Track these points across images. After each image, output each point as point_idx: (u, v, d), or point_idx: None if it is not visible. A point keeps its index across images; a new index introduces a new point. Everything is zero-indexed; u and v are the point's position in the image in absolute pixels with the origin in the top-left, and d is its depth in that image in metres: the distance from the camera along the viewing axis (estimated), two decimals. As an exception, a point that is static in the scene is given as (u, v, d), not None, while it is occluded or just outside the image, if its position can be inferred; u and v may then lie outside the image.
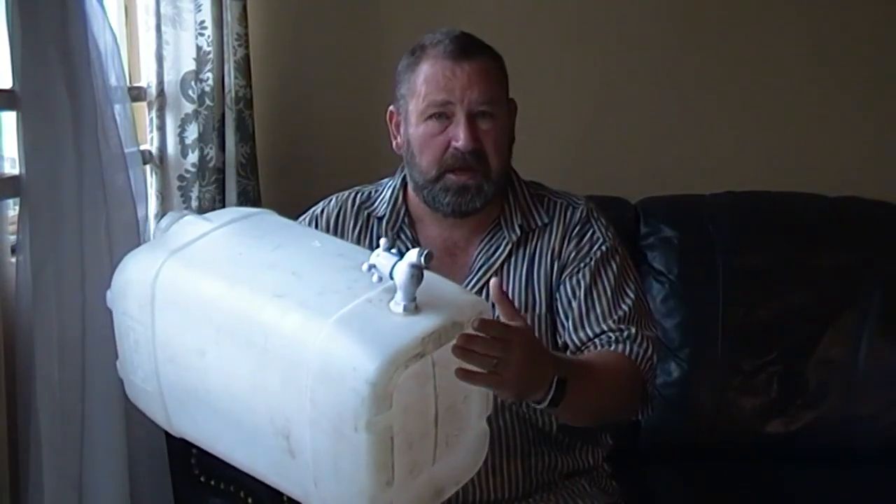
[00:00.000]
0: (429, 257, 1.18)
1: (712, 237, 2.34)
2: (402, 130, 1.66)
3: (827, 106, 2.57)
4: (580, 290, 1.63)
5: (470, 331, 1.23)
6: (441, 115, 1.59)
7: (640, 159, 2.58)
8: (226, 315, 1.26)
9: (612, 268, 1.65)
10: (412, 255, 1.18)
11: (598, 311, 1.62)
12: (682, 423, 2.29)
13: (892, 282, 2.31)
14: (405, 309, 1.18)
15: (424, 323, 1.18)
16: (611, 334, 1.60)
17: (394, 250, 1.21)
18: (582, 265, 1.65)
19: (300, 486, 1.25)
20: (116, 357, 1.44)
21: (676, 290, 2.32)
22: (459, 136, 1.58)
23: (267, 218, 1.45)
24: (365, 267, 1.21)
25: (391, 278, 1.19)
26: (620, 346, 1.59)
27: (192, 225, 1.38)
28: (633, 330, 1.60)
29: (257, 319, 1.22)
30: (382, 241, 1.23)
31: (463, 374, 1.23)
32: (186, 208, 2.23)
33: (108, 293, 1.39)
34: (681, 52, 2.55)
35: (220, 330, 1.26)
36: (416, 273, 1.18)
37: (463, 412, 1.28)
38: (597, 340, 1.60)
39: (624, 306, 1.62)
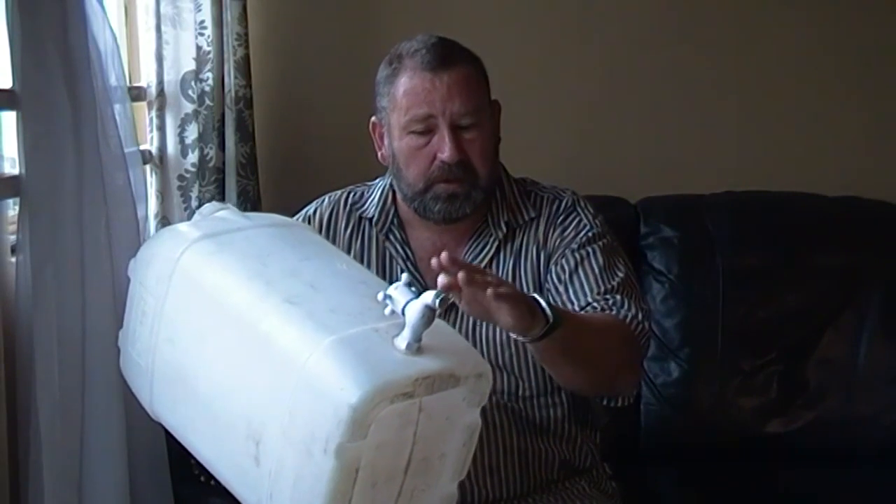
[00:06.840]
0: (444, 302, 1.18)
1: (712, 237, 2.34)
2: (385, 142, 1.67)
3: (827, 106, 2.57)
4: (565, 273, 1.62)
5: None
6: (424, 127, 1.59)
7: (639, 159, 2.58)
8: (234, 306, 1.26)
9: (598, 250, 1.63)
10: (428, 295, 1.18)
11: (586, 288, 1.60)
12: (682, 423, 2.29)
13: (892, 282, 2.31)
14: (408, 347, 1.17)
15: (422, 365, 1.17)
16: (596, 304, 1.58)
17: (413, 288, 1.21)
18: (567, 251, 1.64)
19: (255, 496, 1.24)
20: (117, 358, 1.44)
21: (676, 290, 2.32)
22: (444, 149, 1.58)
23: (305, 232, 1.47)
24: (380, 296, 1.20)
25: (403, 314, 1.18)
26: (608, 311, 1.57)
27: (231, 218, 1.41)
28: (620, 297, 1.58)
29: (262, 318, 1.22)
30: (404, 275, 1.23)
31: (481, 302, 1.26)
32: (186, 208, 2.23)
33: (132, 261, 1.40)
34: (681, 51, 2.55)
35: (225, 320, 1.26)
36: (429, 314, 1.17)
37: (436, 468, 1.25)
38: (582, 313, 1.58)
39: (613, 282, 1.61)
